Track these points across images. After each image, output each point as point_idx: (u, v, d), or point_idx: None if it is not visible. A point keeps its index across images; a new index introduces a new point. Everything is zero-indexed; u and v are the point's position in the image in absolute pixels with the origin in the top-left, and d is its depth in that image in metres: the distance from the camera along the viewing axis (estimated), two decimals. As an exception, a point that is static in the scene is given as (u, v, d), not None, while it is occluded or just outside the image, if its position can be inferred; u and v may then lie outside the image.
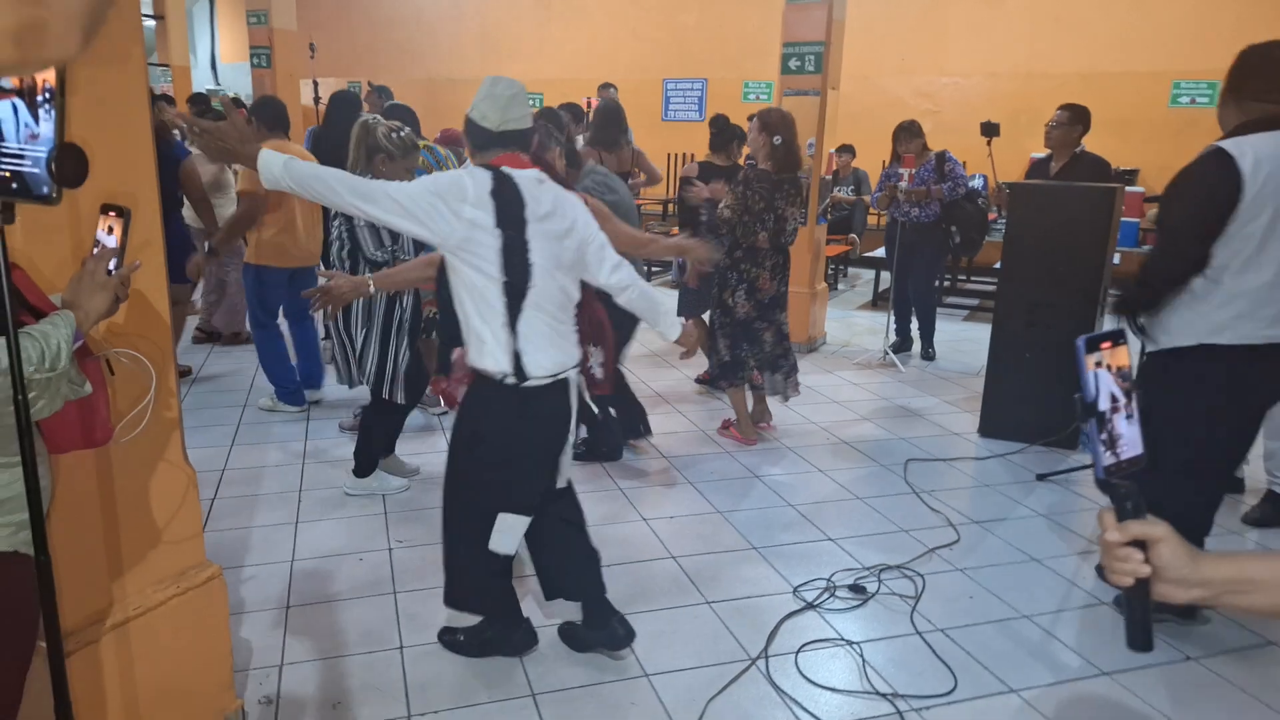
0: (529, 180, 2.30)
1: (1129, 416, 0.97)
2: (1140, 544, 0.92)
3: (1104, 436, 0.96)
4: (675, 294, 5.13)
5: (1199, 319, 2.61)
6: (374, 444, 3.73)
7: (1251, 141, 2.49)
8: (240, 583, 2.99)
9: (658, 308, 2.60)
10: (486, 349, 2.29)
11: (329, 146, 4.80)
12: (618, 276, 2.49)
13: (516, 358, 2.28)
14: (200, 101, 8.76)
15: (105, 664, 1.96)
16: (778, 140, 4.20)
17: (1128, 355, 0.98)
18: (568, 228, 2.36)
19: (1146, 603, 0.93)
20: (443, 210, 2.16)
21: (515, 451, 2.40)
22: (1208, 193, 2.53)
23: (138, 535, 2.03)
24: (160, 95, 8.32)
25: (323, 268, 3.65)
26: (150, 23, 11.86)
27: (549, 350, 2.33)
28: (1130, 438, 0.97)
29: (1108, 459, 0.96)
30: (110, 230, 1.58)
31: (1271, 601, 0.93)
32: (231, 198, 5.38)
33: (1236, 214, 2.49)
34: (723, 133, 4.95)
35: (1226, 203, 2.48)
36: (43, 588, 1.36)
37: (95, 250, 1.57)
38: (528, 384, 2.31)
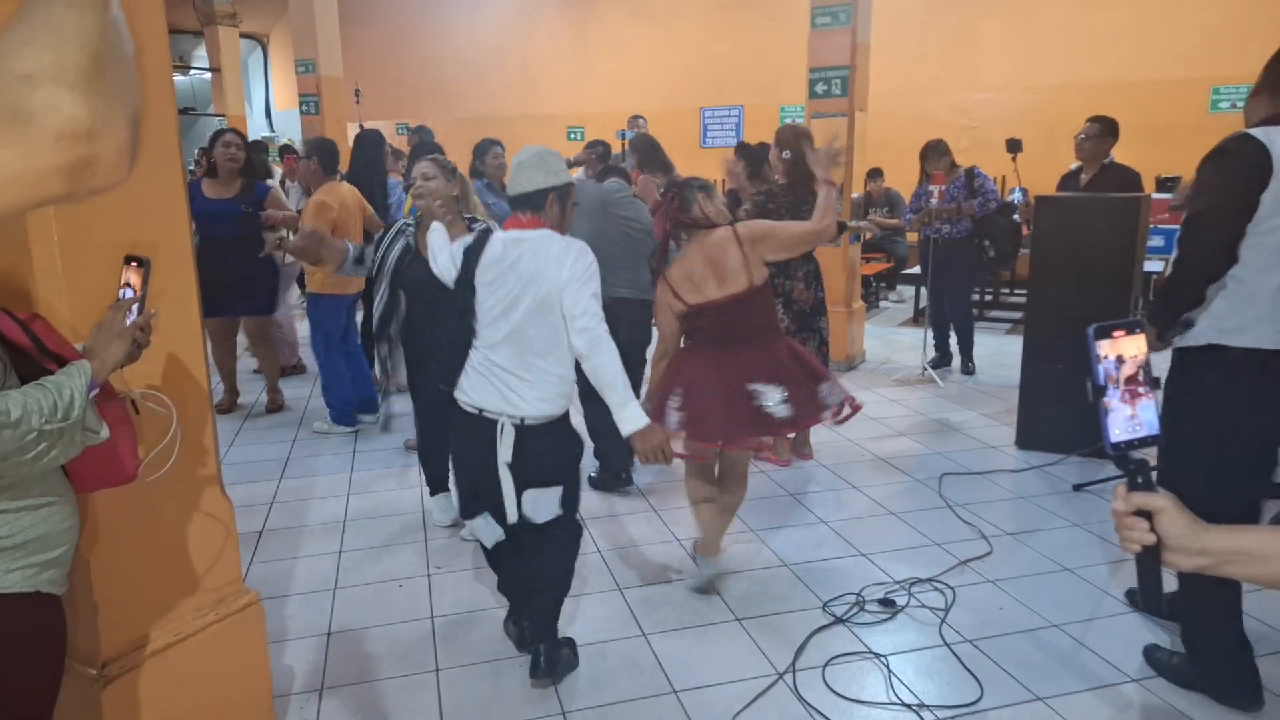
0: (504, 240, 2.57)
1: (1144, 398, 1.03)
2: (1147, 514, 1.00)
3: (1113, 415, 1.03)
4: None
5: (1213, 318, 2.44)
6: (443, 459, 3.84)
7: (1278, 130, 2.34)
8: (285, 611, 3.12)
9: (612, 394, 2.46)
10: None
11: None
12: (578, 341, 2.45)
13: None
14: (258, 148, 9.14)
15: (146, 690, 2.06)
16: (786, 155, 4.35)
17: (1144, 342, 1.04)
18: (527, 281, 2.47)
19: (1156, 568, 1.01)
20: (446, 261, 2.73)
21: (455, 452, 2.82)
22: (1242, 174, 2.33)
23: (176, 564, 2.15)
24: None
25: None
26: (207, 75, 12.50)
27: (476, 386, 2.57)
28: (1144, 418, 1.03)
29: (1115, 435, 1.02)
30: (129, 280, 1.64)
31: (1265, 571, 0.99)
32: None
33: (1261, 205, 2.33)
34: (752, 160, 5.01)
35: (1259, 185, 2.31)
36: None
37: (118, 300, 1.63)
38: (456, 399, 2.63)
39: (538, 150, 2.61)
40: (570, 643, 2.80)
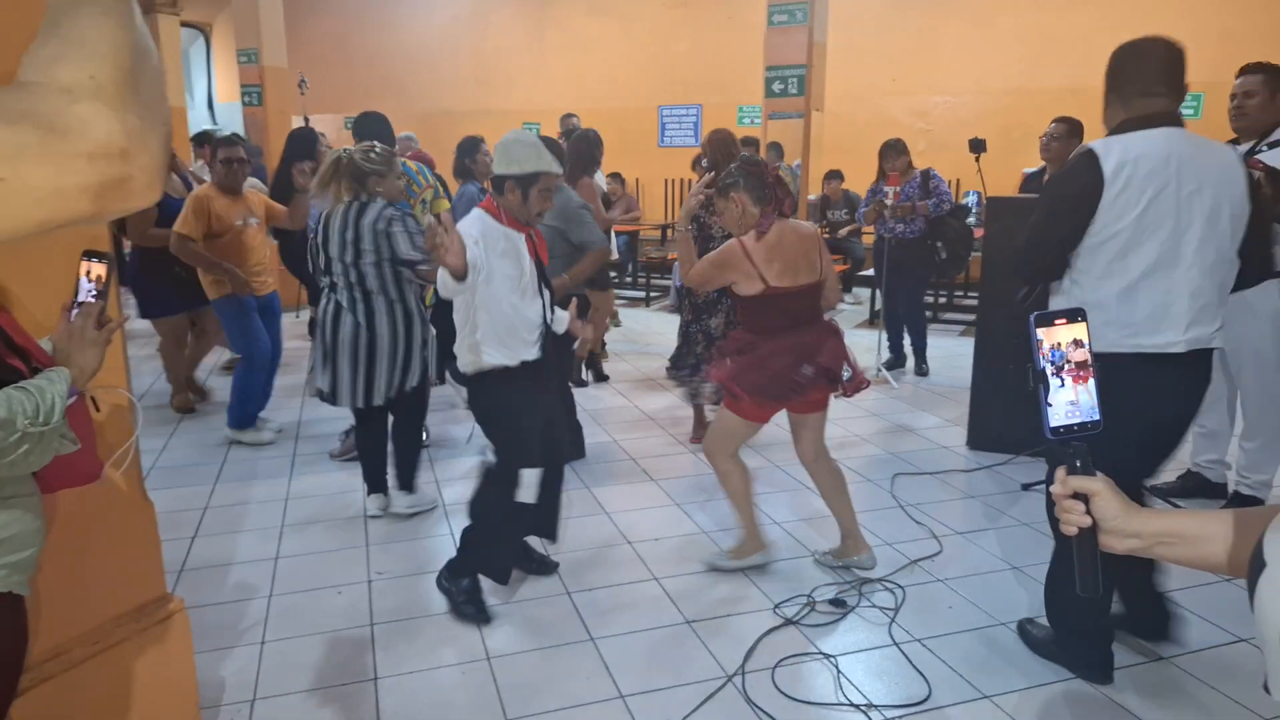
0: None
1: (1084, 385, 1.05)
2: (1084, 498, 1.02)
3: (1052, 401, 1.04)
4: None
5: None
6: (415, 457, 3.84)
7: (1123, 140, 2.37)
8: (218, 619, 2.99)
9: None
10: None
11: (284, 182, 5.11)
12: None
13: None
14: (204, 140, 8.91)
15: (61, 703, 1.96)
16: (704, 163, 4.58)
17: (1085, 330, 1.05)
18: None
19: (1094, 550, 1.03)
20: None
21: None
22: (1073, 194, 2.42)
23: (95, 571, 2.04)
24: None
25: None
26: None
27: None
28: (1084, 404, 1.05)
29: (1055, 421, 1.04)
30: (90, 275, 1.58)
31: (1195, 553, 1.02)
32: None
33: (1095, 217, 2.37)
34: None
35: (1089, 204, 2.37)
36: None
37: (76, 299, 1.57)
38: None
39: (509, 138, 2.90)
40: (463, 592, 3.02)
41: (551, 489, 3.24)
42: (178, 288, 5.01)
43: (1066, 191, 2.46)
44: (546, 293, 3.01)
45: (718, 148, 4.43)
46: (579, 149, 5.04)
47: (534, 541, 3.39)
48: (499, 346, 2.89)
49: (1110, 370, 2.36)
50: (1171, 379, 2.43)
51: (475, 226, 2.85)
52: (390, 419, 3.82)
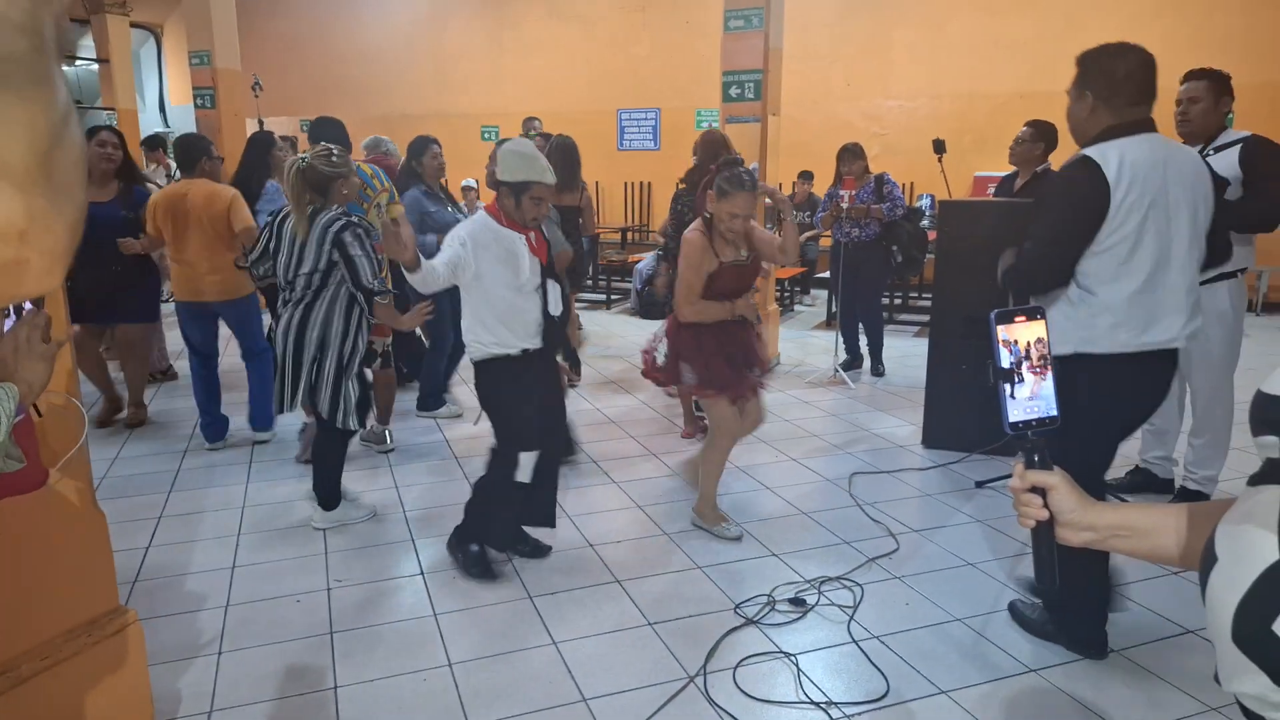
0: None
1: (1043, 381, 1.07)
2: (1042, 491, 1.04)
3: (1013, 397, 1.06)
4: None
5: (1075, 328, 2.55)
6: (336, 474, 3.76)
7: (1118, 146, 2.44)
8: (173, 631, 2.94)
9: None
10: None
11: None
12: None
13: None
14: (157, 144, 8.79)
15: None
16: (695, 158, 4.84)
17: (1044, 327, 1.08)
18: None
19: (1050, 542, 1.05)
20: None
21: None
22: (1079, 203, 2.47)
23: (44, 584, 2.00)
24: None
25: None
26: (94, 66, 11.81)
27: None
28: (1043, 399, 1.07)
29: (1014, 416, 1.06)
30: None
31: (1148, 546, 1.04)
32: None
33: (1104, 223, 2.45)
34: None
35: (1096, 213, 2.44)
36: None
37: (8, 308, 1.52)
38: None
39: (506, 147, 3.13)
40: (465, 552, 3.33)
41: (549, 476, 3.43)
42: (97, 299, 4.79)
43: (1075, 199, 2.49)
44: (553, 288, 3.23)
45: (704, 148, 4.79)
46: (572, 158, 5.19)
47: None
48: (497, 337, 3.14)
49: (1122, 369, 2.50)
50: (1168, 371, 2.61)
51: (465, 228, 3.12)
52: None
